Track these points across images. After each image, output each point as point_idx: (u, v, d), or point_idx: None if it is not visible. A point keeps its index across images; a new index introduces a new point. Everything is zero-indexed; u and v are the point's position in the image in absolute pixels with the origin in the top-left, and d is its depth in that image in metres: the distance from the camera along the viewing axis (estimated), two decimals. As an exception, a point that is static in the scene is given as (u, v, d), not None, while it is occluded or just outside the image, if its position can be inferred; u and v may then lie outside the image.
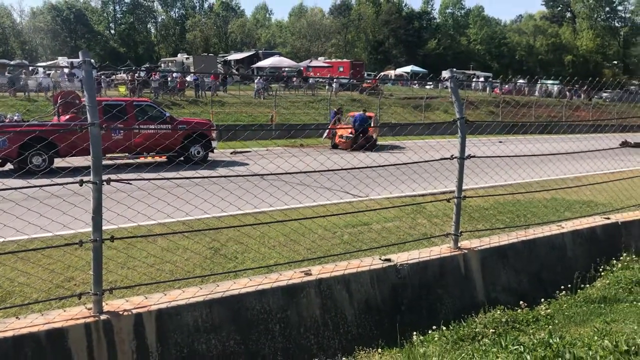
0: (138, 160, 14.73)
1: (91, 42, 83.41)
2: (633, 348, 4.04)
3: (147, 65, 50.73)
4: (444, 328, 5.25)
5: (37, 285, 5.31)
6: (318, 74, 52.61)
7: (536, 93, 48.58)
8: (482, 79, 58.66)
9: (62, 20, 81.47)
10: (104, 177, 4.12)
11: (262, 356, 4.78)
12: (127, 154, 15.19)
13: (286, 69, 51.56)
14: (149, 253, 6.37)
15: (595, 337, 4.48)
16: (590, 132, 15.16)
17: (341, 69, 57.30)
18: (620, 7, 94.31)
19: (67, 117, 15.03)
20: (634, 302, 5.80)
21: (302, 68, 53.76)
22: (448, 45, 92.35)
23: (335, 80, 40.86)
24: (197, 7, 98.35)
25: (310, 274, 5.27)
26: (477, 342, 4.88)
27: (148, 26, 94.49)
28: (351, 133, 21.86)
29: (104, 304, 4.36)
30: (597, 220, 7.71)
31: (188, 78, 36.65)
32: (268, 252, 6.64)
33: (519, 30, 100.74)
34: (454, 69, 6.35)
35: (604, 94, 48.69)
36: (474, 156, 6.13)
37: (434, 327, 5.28)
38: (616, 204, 8.95)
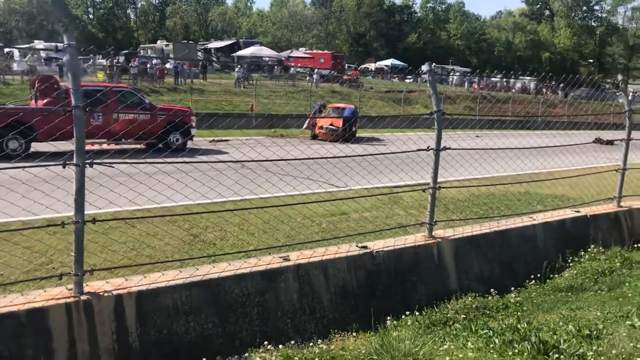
0: (117, 147, 14.66)
1: (69, 26, 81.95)
2: (595, 332, 4.25)
3: (126, 52, 50.09)
4: (417, 313, 5.42)
5: (18, 265, 5.34)
6: (299, 65, 52.52)
7: (513, 90, 49.11)
8: (458, 74, 59.10)
9: (38, 3, 79.89)
10: (87, 160, 4.17)
11: (239, 338, 4.89)
12: (106, 140, 15.10)
13: (267, 58, 51.41)
14: (129, 237, 6.43)
15: (561, 323, 4.68)
16: (566, 129, 15.49)
17: (322, 60, 57.29)
18: (596, 7, 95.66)
19: (45, 101, 14.87)
20: (599, 291, 6.04)
21: (283, 58, 53.63)
22: (428, 40, 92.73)
23: (316, 71, 40.89)
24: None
25: (289, 260, 5.38)
26: (448, 327, 5.05)
27: (127, 12, 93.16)
28: (331, 124, 22.01)
29: (84, 285, 4.41)
30: (567, 213, 7.94)
31: (168, 65, 36.38)
32: (247, 239, 6.75)
33: (498, 26, 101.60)
34: (433, 63, 6.49)
35: (577, 92, 49.47)
36: (449, 148, 6.29)
37: (408, 312, 5.44)
38: (586, 198, 9.21)
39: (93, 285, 4.56)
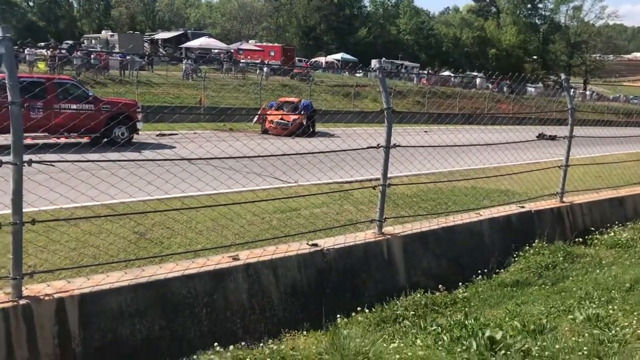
0: (60, 140, 14.16)
1: (7, 13, 78.64)
2: (539, 327, 4.36)
3: (70, 43, 48.41)
4: (367, 310, 5.44)
5: (-50, 269, 5.07)
6: (249, 57, 52.03)
7: (476, 87, 49.90)
8: (403, 71, 59.88)
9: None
10: (25, 157, 3.99)
11: (187, 340, 4.80)
12: (46, 134, 14.56)
13: (216, 50, 50.73)
14: (71, 237, 6.20)
15: (507, 318, 4.79)
16: (510, 124, 15.87)
17: (272, 53, 56.93)
18: (540, 5, 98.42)
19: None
20: (543, 286, 6.21)
21: (232, 50, 53.03)
22: (378, 34, 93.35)
23: (266, 64, 40.64)
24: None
25: (238, 259, 5.31)
26: (398, 324, 5.10)
27: (70, 0, 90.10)
28: (281, 119, 21.88)
29: (23, 288, 4.24)
30: (513, 209, 8.14)
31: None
32: (195, 237, 6.62)
33: (446, 22, 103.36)
34: (383, 59, 6.52)
35: (531, 89, 51.05)
36: (399, 145, 6.33)
37: (358, 309, 5.46)
38: (531, 194, 9.46)
39: (33, 288, 4.37)
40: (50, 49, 33.19)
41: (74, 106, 14.77)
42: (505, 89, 49.19)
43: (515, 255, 7.38)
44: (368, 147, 6.25)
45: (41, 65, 31.93)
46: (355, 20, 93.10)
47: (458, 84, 47.88)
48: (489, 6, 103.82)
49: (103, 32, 60.50)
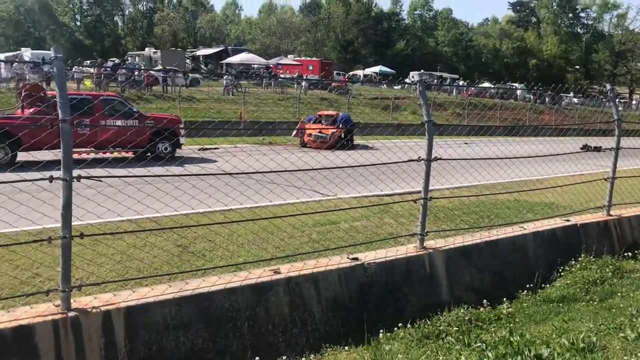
0: (105, 155, 14.53)
1: (56, 33, 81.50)
2: (589, 345, 4.23)
3: (115, 60, 49.83)
4: (410, 326, 5.38)
5: (2, 281, 5.24)
6: (287, 72, 52.54)
7: (516, 98, 49.05)
8: (446, 84, 59.36)
9: (25, 11, 79.33)
10: (74, 173, 4.11)
11: (230, 353, 4.83)
12: (93, 149, 14.98)
13: (255, 65, 51.40)
14: (116, 250, 6.33)
15: (554, 335, 4.66)
16: (553, 136, 15.56)
17: (310, 67, 57.37)
18: (582, 14, 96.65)
19: (32, 110, 14.73)
20: (590, 302, 6.03)
21: (271, 65, 53.64)
22: (416, 47, 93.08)
23: (304, 79, 40.95)
24: (166, 1, 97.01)
25: (280, 273, 5.33)
26: (441, 340, 5.02)
27: (115, 19, 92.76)
28: (319, 132, 21.97)
29: (72, 301, 4.34)
30: (557, 222, 7.96)
31: (153, 72, 36.20)
32: (236, 250, 6.68)
33: (485, 33, 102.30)
34: (422, 71, 6.49)
35: (574, 99, 50.00)
36: (440, 158, 6.28)
37: (400, 324, 5.40)
38: (576, 207, 9.23)
39: (81, 301, 4.48)
40: (96, 67, 34.16)
41: (120, 122, 15.17)
42: (547, 99, 48.31)
43: (560, 269, 7.20)
44: (409, 160, 6.22)
45: (87, 83, 32.91)
46: (393, 33, 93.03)
47: (496, 95, 47.26)
48: (529, 16, 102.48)
49: (146, 49, 62.08)
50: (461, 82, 62.81)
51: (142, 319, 4.48)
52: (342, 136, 22.18)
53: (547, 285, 6.81)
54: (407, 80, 39.67)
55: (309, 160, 7.00)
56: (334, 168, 6.11)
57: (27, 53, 46.35)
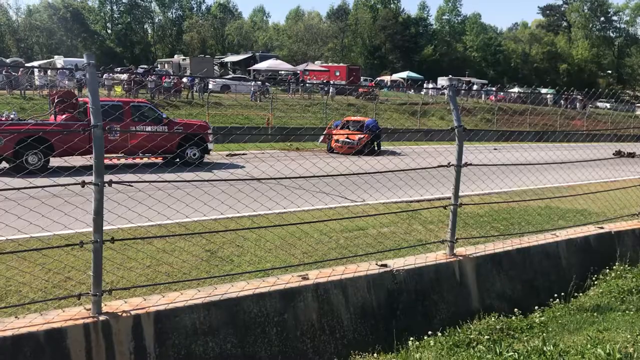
0: (135, 161, 14.73)
1: (87, 41, 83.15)
2: (626, 357, 4.11)
3: (145, 67, 50.62)
4: (440, 334, 5.30)
5: (35, 284, 5.32)
6: (315, 78, 52.68)
7: (548, 102, 48.27)
8: (475, 87, 58.86)
9: (58, 19, 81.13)
10: (106, 178, 4.15)
11: (258, 359, 4.81)
12: (123, 155, 15.22)
13: (283, 72, 51.67)
14: (146, 254, 6.39)
15: (589, 346, 4.54)
16: (585, 141, 15.28)
17: (338, 73, 57.37)
18: (615, 18, 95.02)
19: (64, 116, 15.02)
20: (626, 311, 5.87)
21: (299, 71, 53.85)
22: (444, 52, 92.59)
23: (331, 84, 41.01)
24: (195, 9, 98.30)
25: (308, 279, 5.31)
26: (471, 349, 4.93)
27: (145, 26, 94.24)
28: (347, 137, 21.95)
29: (102, 305, 4.38)
30: (591, 230, 7.78)
31: (184, 80, 36.62)
32: (265, 256, 6.68)
33: (514, 38, 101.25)
34: (450, 76, 6.43)
35: (606, 104, 49.11)
36: (470, 164, 6.19)
37: (430, 332, 5.33)
38: (610, 214, 9.03)
39: (111, 305, 4.52)
40: (128, 74, 34.72)
41: (149, 128, 15.37)
42: (577, 105, 47.54)
43: (594, 278, 7.04)
44: (438, 166, 6.15)
45: (118, 89, 33.47)
46: (420, 38, 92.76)
47: (525, 101, 46.63)
48: (559, 21, 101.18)
49: (175, 56, 62.98)
50: (492, 88, 62.15)
51: (171, 323, 4.50)
52: (370, 142, 22.14)
53: (581, 294, 6.66)
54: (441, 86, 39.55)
55: (337, 165, 6.99)
56: (363, 174, 6.07)
57: (59, 60, 47.38)
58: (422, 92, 51.95)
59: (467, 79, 67.42)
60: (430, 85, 51.94)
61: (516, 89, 59.10)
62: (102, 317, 4.25)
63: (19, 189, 4.07)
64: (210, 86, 38.17)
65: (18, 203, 4.70)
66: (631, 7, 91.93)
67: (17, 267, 5.63)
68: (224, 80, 41.23)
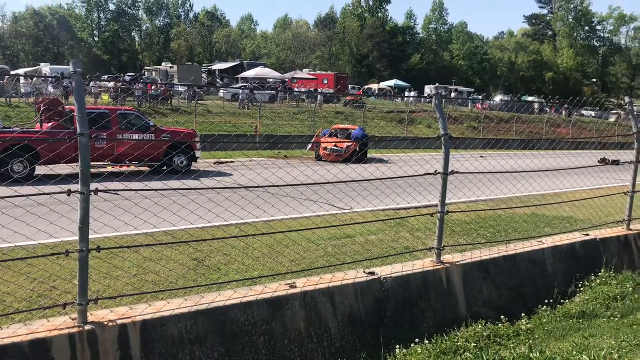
0: (122, 169, 14.65)
1: (74, 49, 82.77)
2: (611, 363, 4.14)
3: (132, 75, 50.45)
4: (427, 341, 5.30)
5: (20, 294, 5.27)
6: (303, 86, 52.80)
7: (536, 111, 48.67)
8: (455, 95, 59.33)
9: (45, 27, 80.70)
10: (92, 187, 4.13)
11: (246, 368, 4.79)
12: (110, 163, 15.14)
13: (271, 80, 51.75)
14: (132, 263, 6.35)
15: (575, 352, 4.57)
16: (571, 149, 15.42)
17: (326, 82, 57.58)
18: (599, 27, 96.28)
19: (51, 124, 14.91)
20: (611, 318, 5.92)
21: (287, 80, 53.96)
22: (431, 60, 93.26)
23: (319, 92, 41.13)
24: (182, 17, 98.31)
25: (295, 287, 5.30)
26: (459, 356, 4.94)
27: (132, 34, 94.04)
28: (335, 145, 22.00)
29: (88, 314, 4.34)
30: (576, 237, 7.84)
31: (181, 88, 36.62)
32: (252, 264, 6.66)
33: (501, 46, 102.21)
34: (437, 84, 6.47)
35: (591, 112, 49.65)
36: (457, 172, 6.23)
37: (417, 340, 5.33)
38: (595, 221, 9.11)
39: (97, 314, 4.48)
40: (115, 82, 34.58)
41: (136, 136, 15.30)
42: (564, 112, 48.00)
43: (580, 285, 7.09)
44: (425, 174, 6.18)
45: (105, 97, 33.32)
46: (408, 47, 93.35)
47: (511, 109, 47.03)
48: (544, 30, 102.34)
49: (163, 64, 62.86)
50: (478, 96, 62.65)
51: (158, 333, 4.47)
52: (357, 151, 22.23)
53: (567, 301, 6.70)
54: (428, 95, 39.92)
55: (325, 174, 7.00)
56: (350, 182, 6.08)
57: (46, 68, 47.06)
58: (403, 100, 52.29)
59: (454, 87, 67.88)
60: (412, 94, 52.28)
61: (498, 98, 59.49)
62: (88, 327, 4.22)
63: (4, 197, 4.03)
64: (220, 94, 38.42)
65: (3, 212, 4.65)
66: (615, 17, 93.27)
67: (2, 276, 5.57)
68: (233, 89, 41.34)
